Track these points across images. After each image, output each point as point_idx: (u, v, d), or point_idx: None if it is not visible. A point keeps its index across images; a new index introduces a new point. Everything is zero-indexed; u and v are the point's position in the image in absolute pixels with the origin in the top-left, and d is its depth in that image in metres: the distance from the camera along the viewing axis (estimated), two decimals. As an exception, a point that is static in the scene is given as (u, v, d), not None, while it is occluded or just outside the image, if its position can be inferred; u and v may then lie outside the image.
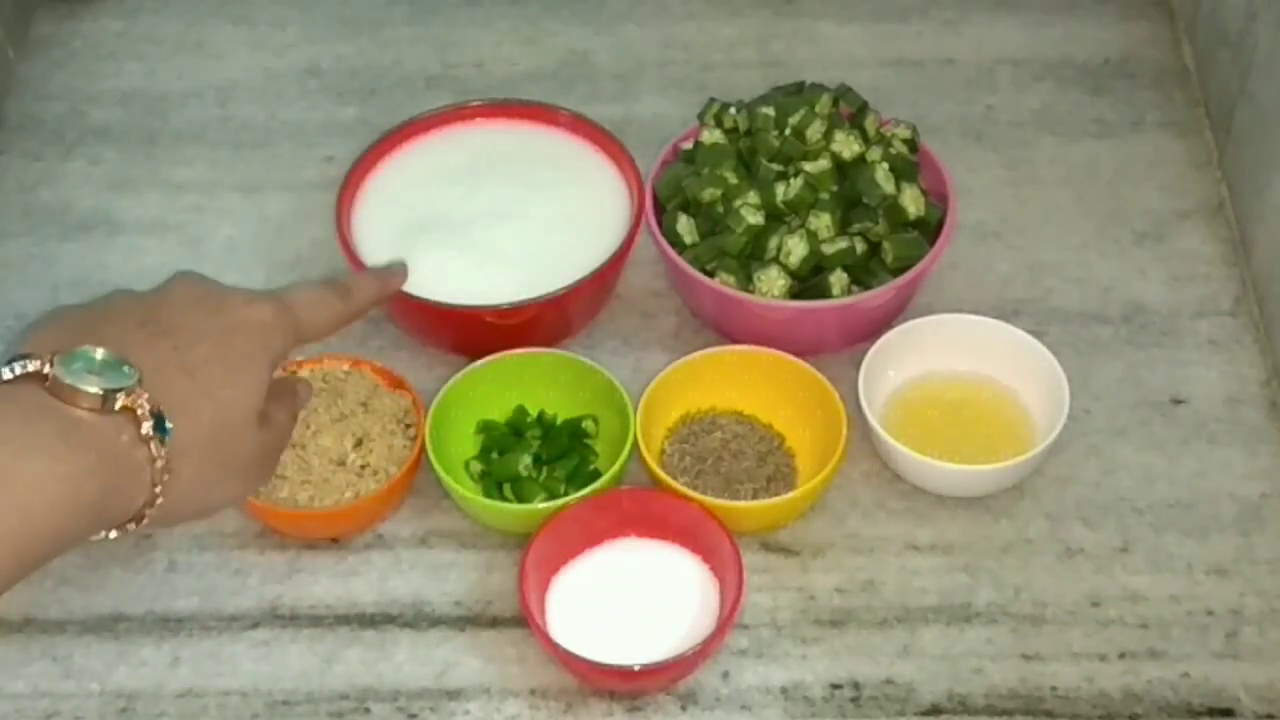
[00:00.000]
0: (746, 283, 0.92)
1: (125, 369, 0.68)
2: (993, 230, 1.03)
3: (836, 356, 0.94)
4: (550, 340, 0.95)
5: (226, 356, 0.73)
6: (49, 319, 0.73)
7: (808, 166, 0.94)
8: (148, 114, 1.12)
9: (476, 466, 0.91)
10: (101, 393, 0.67)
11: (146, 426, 0.68)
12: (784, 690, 0.83)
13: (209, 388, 0.71)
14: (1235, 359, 0.96)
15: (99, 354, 0.68)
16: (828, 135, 0.95)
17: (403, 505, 0.90)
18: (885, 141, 0.96)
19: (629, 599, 0.85)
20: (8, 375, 0.67)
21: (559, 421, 0.92)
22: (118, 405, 0.67)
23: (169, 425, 0.69)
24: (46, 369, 0.67)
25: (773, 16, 1.17)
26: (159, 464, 0.68)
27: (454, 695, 0.83)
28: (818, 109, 0.96)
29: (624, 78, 1.13)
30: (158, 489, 0.69)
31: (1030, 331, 0.92)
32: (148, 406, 0.68)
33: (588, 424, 0.92)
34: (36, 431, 0.65)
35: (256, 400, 0.74)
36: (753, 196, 0.93)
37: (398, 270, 0.92)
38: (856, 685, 0.83)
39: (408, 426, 0.91)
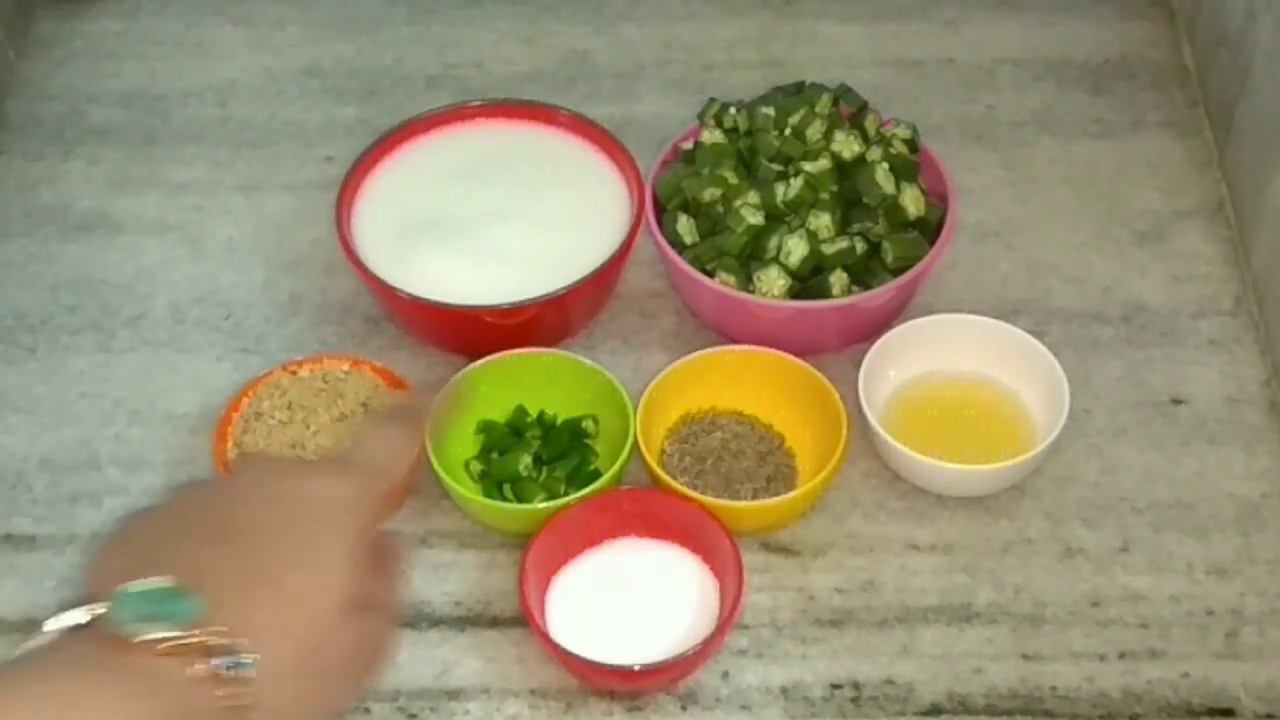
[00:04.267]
0: (746, 283, 0.92)
1: (189, 600, 0.61)
2: (993, 230, 1.03)
3: (836, 356, 0.94)
4: (550, 340, 0.95)
5: (311, 555, 0.65)
6: (115, 541, 0.66)
7: (808, 166, 0.94)
8: (148, 114, 1.12)
9: (476, 466, 0.91)
10: (159, 637, 0.60)
11: (218, 663, 0.61)
12: (784, 690, 0.83)
13: (295, 595, 0.64)
14: (1235, 359, 0.96)
15: (159, 584, 0.61)
16: (828, 135, 0.95)
17: (403, 505, 0.90)
18: (885, 141, 0.96)
19: (629, 599, 0.85)
20: (58, 625, 0.62)
21: (559, 421, 0.92)
22: (183, 644, 0.60)
23: (245, 658, 0.62)
24: (101, 612, 0.61)
25: (773, 16, 1.17)
26: (242, 700, 0.61)
27: (454, 695, 0.83)
28: (818, 109, 0.96)
29: (624, 78, 1.13)
30: None
31: (1030, 331, 0.92)
32: (217, 641, 0.61)
33: (588, 424, 0.92)
34: (90, 687, 0.59)
35: (344, 593, 0.66)
36: (753, 196, 0.93)
37: (457, 381, 0.87)
38: (856, 685, 0.83)
39: (408, 426, 0.91)
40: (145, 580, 0.62)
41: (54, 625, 0.62)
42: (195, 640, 0.60)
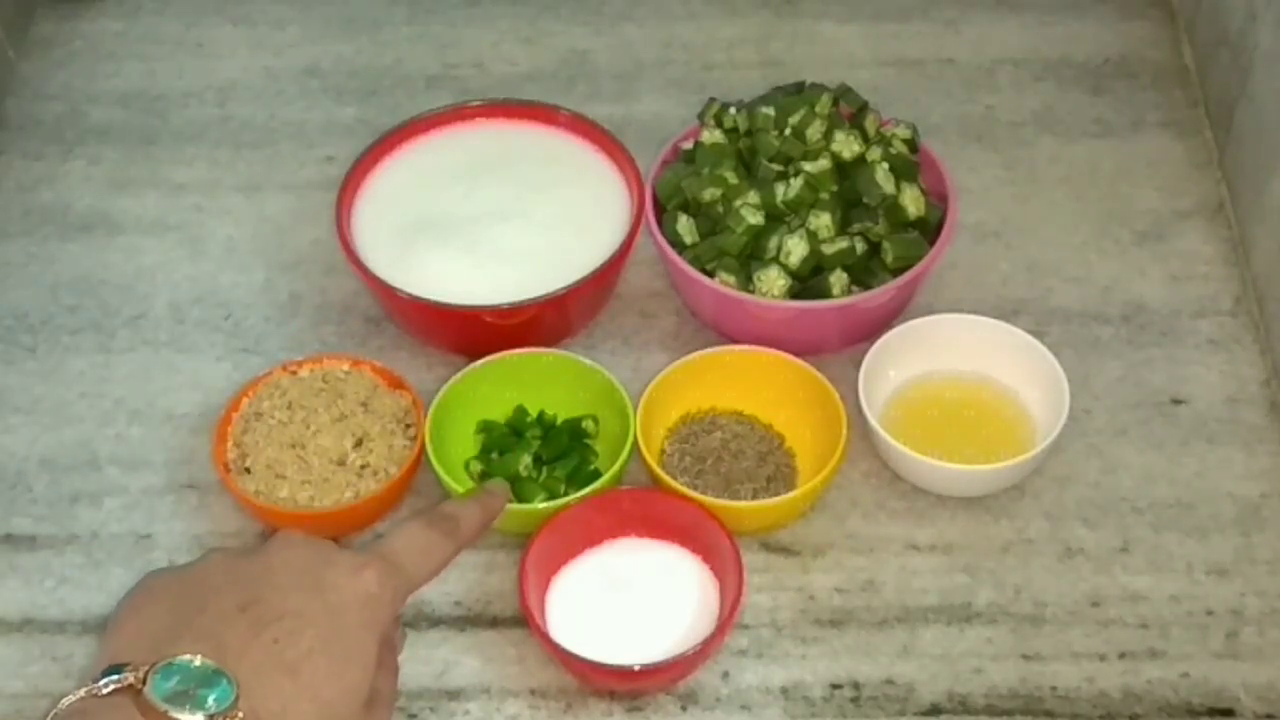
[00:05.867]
0: (746, 283, 0.92)
1: (224, 683, 0.63)
2: (993, 230, 1.03)
3: (836, 356, 0.94)
4: (550, 340, 0.95)
5: (331, 646, 0.66)
6: (142, 599, 0.68)
7: (808, 166, 0.94)
8: (148, 114, 1.12)
9: (476, 466, 0.91)
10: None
11: None
12: (784, 690, 0.83)
13: (313, 687, 0.65)
14: (1235, 359, 0.96)
15: (196, 663, 0.63)
16: (828, 135, 0.95)
17: (403, 505, 0.90)
18: (885, 141, 0.96)
19: (629, 599, 0.85)
20: (104, 690, 0.63)
21: (559, 421, 0.92)
22: None
23: None
24: (140, 686, 0.62)
25: (773, 16, 1.17)
26: None
27: (454, 695, 0.83)
28: (818, 109, 0.96)
29: (624, 78, 1.13)
30: None
31: (1030, 331, 0.92)
32: None
33: (588, 424, 0.92)
34: None
35: (364, 690, 0.67)
36: (753, 196, 0.93)
37: (497, 492, 0.84)
38: (856, 685, 0.83)
39: (408, 426, 0.91)
40: (186, 657, 0.63)
41: (97, 687, 0.63)
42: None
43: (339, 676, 0.66)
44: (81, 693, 0.63)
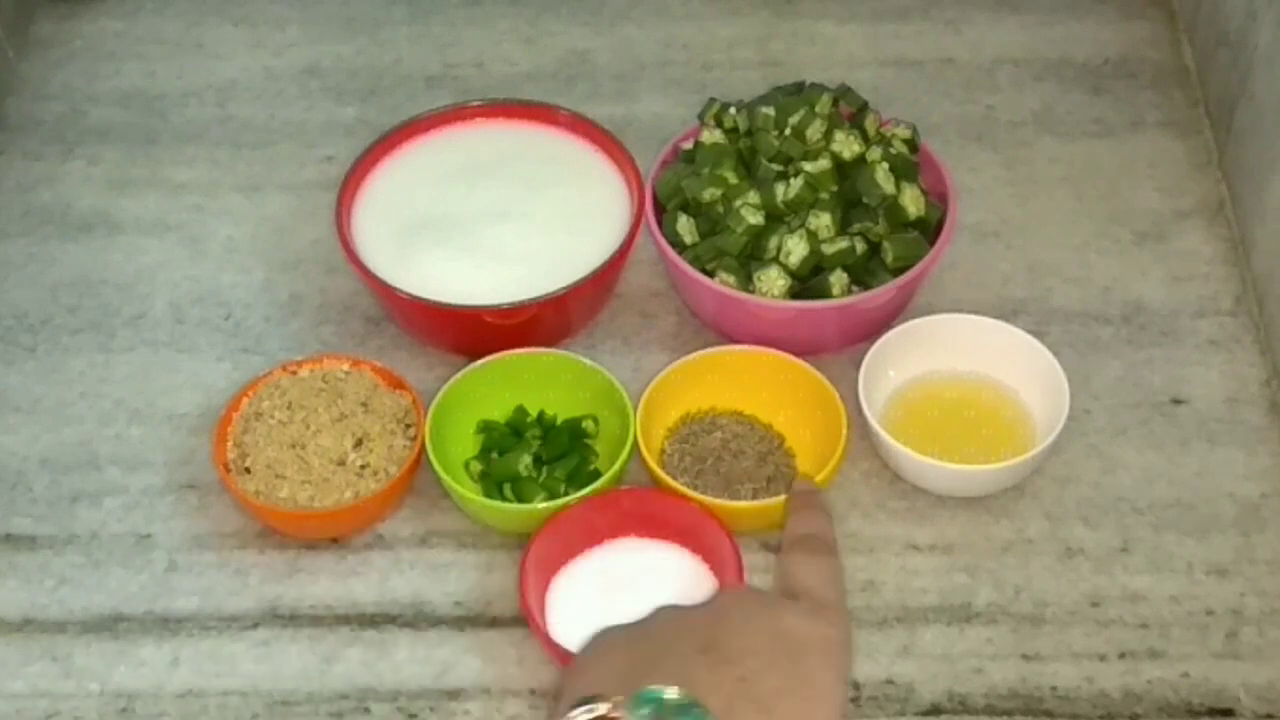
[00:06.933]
0: (746, 283, 0.92)
1: (696, 712, 0.61)
2: (993, 230, 1.03)
3: (836, 356, 0.94)
4: (550, 340, 0.95)
5: (800, 687, 0.64)
6: (603, 646, 0.68)
7: (808, 166, 0.94)
8: (148, 114, 1.12)
9: (476, 466, 0.91)
10: None
11: None
12: (784, 690, 0.83)
13: None
14: (1235, 359, 0.96)
15: (670, 694, 0.61)
16: (828, 135, 0.95)
17: (403, 505, 0.90)
18: (885, 141, 0.96)
19: (629, 599, 0.84)
20: (583, 714, 0.62)
21: (559, 421, 0.92)
22: None
23: None
24: (615, 713, 0.61)
25: (773, 16, 1.17)
26: None
27: (454, 695, 0.83)
28: (818, 109, 0.96)
29: (624, 78, 1.13)
30: None
31: (1030, 331, 0.92)
32: None
33: (588, 424, 0.92)
34: None
35: None
36: (753, 196, 0.93)
37: (808, 488, 0.84)
38: (856, 685, 0.83)
39: (408, 426, 0.91)
40: (658, 687, 0.62)
41: (571, 716, 0.62)
42: None
43: (810, 716, 0.64)
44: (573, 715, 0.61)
